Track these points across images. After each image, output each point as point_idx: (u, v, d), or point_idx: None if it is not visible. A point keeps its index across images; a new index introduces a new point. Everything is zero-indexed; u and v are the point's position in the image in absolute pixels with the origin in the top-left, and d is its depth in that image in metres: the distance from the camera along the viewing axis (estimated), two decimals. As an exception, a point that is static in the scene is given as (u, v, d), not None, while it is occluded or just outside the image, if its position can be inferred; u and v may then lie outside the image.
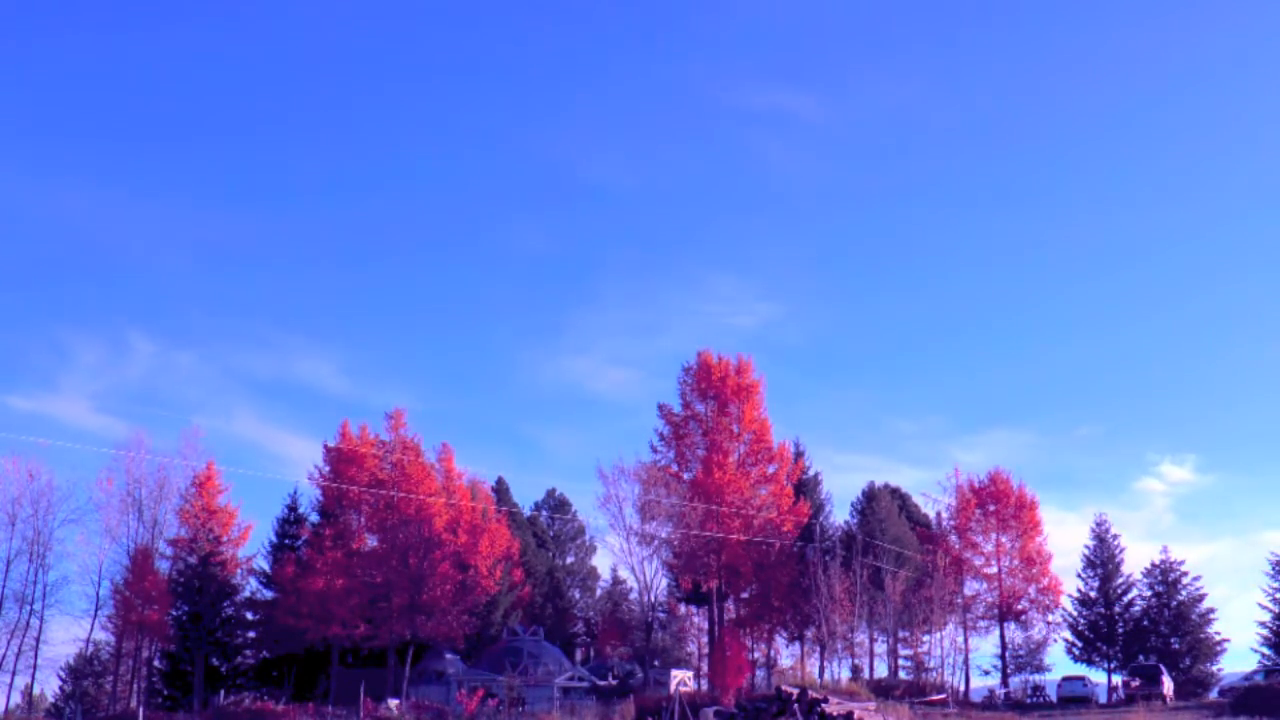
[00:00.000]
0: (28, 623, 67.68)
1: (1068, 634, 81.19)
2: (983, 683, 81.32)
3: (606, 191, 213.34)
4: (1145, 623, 79.90)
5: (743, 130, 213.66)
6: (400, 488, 69.88)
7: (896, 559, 78.08)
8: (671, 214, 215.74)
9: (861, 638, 78.63)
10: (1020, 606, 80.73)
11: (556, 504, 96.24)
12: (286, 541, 72.63)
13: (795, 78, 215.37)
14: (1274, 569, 78.03)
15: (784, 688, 51.66)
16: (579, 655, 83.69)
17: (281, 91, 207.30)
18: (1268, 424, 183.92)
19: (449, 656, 70.87)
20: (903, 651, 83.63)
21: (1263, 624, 77.86)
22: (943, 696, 67.31)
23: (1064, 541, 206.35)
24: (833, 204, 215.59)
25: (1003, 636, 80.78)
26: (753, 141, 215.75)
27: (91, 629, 70.78)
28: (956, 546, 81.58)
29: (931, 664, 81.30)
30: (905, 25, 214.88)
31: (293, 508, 74.14)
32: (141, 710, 59.60)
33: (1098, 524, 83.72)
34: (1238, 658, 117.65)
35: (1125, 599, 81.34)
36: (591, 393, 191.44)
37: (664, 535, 72.13)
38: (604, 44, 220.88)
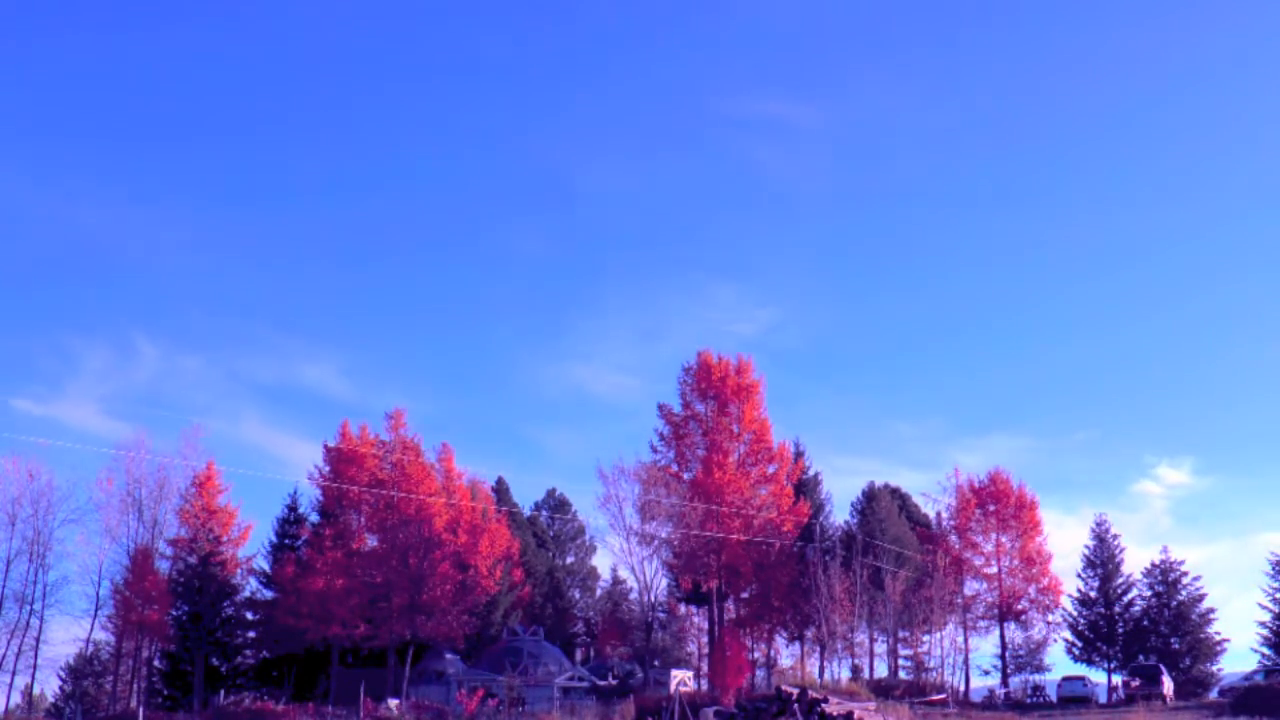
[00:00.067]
0: (28, 623, 67.78)
1: (1068, 634, 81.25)
2: (983, 683, 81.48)
3: (606, 195, 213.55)
4: (1145, 623, 79.90)
5: (740, 134, 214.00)
6: (400, 488, 69.88)
7: (896, 559, 78.08)
8: (671, 219, 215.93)
9: (861, 638, 78.67)
10: (1020, 606, 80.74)
11: (556, 504, 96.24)
12: (286, 541, 72.62)
13: (793, 82, 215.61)
14: (1274, 569, 78.06)
15: (784, 688, 51.67)
16: (579, 655, 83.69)
17: (281, 91, 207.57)
18: (1266, 425, 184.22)
19: (449, 656, 70.87)
20: (903, 651, 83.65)
21: (1263, 624, 77.90)
22: (943, 696, 67.32)
23: (1062, 544, 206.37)
24: (831, 206, 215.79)
25: (1003, 636, 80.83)
26: (750, 145, 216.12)
27: (91, 629, 70.95)
28: (956, 546, 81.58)
29: (931, 664, 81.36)
30: (904, 26, 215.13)
31: (293, 508, 74.18)
32: (141, 710, 59.61)
33: (1098, 524, 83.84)
34: (1238, 658, 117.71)
35: (1125, 599, 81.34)
36: (592, 396, 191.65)
37: (664, 535, 72.17)
38: (603, 45, 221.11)
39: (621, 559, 76.40)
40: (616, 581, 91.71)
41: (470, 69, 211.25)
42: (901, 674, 79.89)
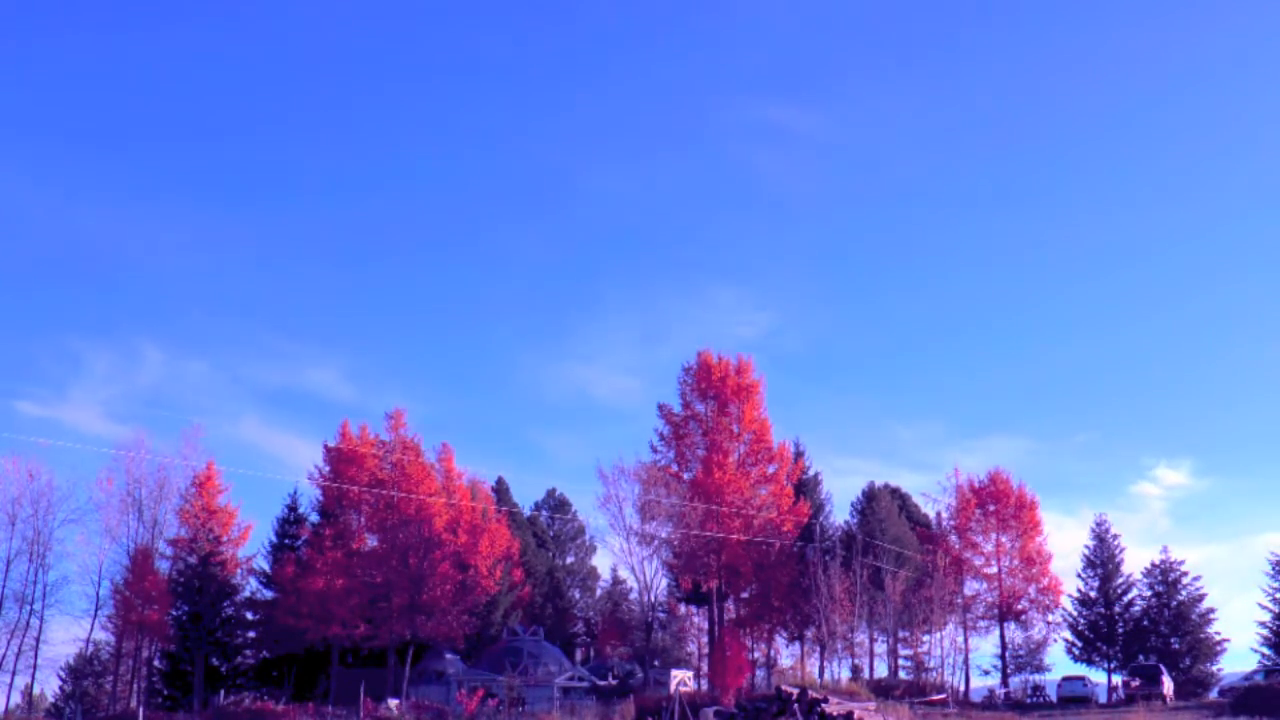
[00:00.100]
0: (28, 623, 67.78)
1: (1068, 634, 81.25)
2: (983, 683, 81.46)
3: (606, 196, 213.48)
4: (1145, 623, 79.90)
5: (739, 136, 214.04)
6: (400, 488, 69.88)
7: (896, 559, 78.07)
8: (670, 221, 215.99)
9: (861, 638, 78.65)
10: (1020, 606, 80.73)
11: (556, 504, 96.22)
12: (286, 541, 72.63)
13: (792, 84, 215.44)
14: (1274, 569, 78.06)
15: (784, 688, 51.67)
16: (579, 655, 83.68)
17: (281, 91, 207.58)
18: (1264, 427, 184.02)
19: (449, 656, 70.87)
20: (903, 651, 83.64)
21: (1263, 624, 77.90)
22: (943, 696, 67.31)
23: (1062, 545, 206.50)
24: (830, 207, 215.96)
25: (1003, 636, 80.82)
26: (749, 148, 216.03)
27: (91, 629, 70.95)
28: (956, 546, 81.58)
29: (931, 664, 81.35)
30: (904, 26, 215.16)
31: (293, 508, 74.18)
32: (141, 710, 59.60)
33: (1098, 524, 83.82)
34: (1238, 658, 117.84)
35: (1125, 599, 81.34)
36: (593, 399, 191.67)
37: (664, 535, 72.15)
38: (603, 46, 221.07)
39: (621, 559, 76.53)
40: (616, 581, 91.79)
41: (470, 69, 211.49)
42: (901, 674, 79.88)
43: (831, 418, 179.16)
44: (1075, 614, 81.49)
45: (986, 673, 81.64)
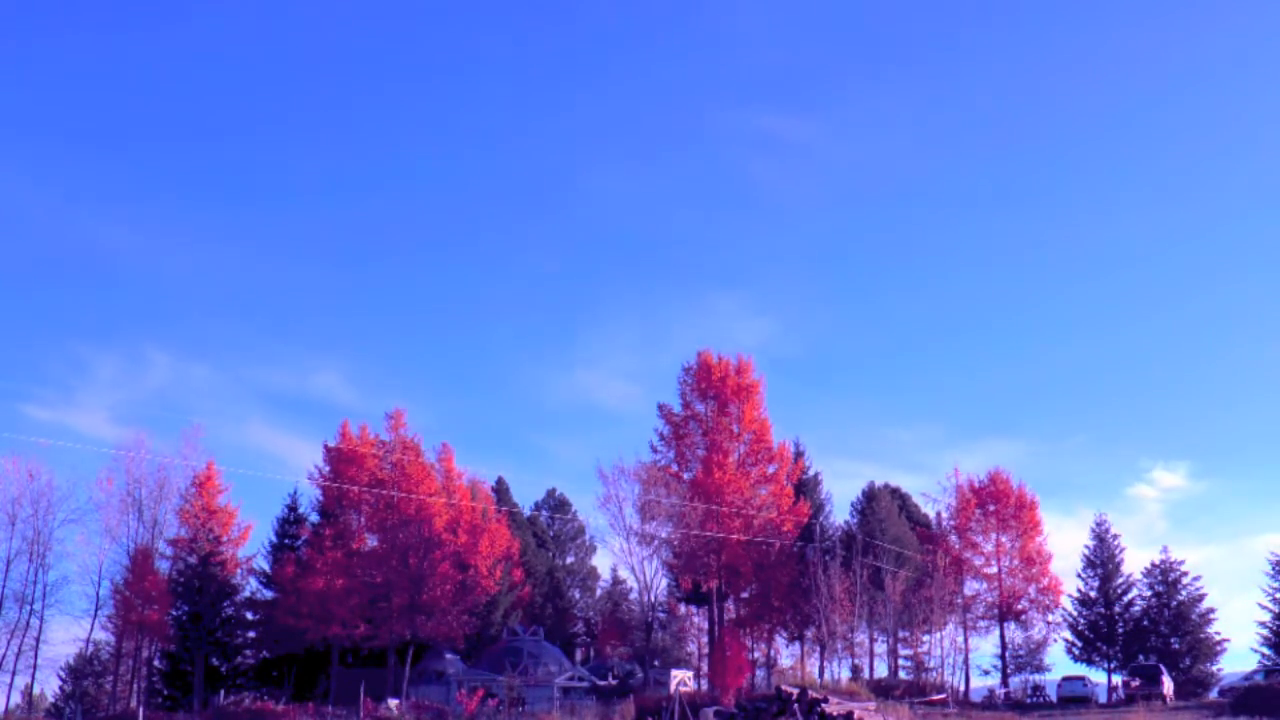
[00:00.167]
0: (28, 623, 67.77)
1: (1068, 634, 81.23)
2: (983, 683, 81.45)
3: (606, 198, 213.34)
4: (1145, 623, 79.88)
5: (737, 140, 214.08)
6: (400, 488, 69.87)
7: (896, 559, 78.07)
8: (670, 223, 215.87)
9: (861, 638, 78.65)
10: (1020, 606, 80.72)
11: (556, 504, 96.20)
12: (286, 541, 72.63)
13: (790, 87, 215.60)
14: (1274, 569, 78.05)
15: (784, 688, 51.67)
16: (579, 655, 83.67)
17: (281, 91, 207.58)
18: (1262, 428, 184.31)
19: (449, 656, 70.87)
20: (903, 651, 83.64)
21: (1263, 624, 77.89)
22: (943, 696, 67.32)
23: (1059, 547, 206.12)
24: (830, 209, 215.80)
25: (1003, 636, 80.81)
26: (747, 151, 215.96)
27: (91, 629, 70.93)
28: (956, 546, 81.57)
29: (931, 664, 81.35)
30: (903, 27, 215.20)
31: (293, 508, 74.18)
32: (141, 710, 59.60)
33: (1098, 524, 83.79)
34: (1238, 658, 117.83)
35: (1125, 599, 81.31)
36: (594, 403, 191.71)
37: (664, 535, 72.14)
38: (603, 46, 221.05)
39: (621, 559, 76.52)
40: (616, 581, 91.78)
41: (470, 69, 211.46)
42: (901, 674, 79.88)
43: (831, 421, 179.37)
44: (1075, 614, 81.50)
45: (986, 673, 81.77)
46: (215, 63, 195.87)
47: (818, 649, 75.38)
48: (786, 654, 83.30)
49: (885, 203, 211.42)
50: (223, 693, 66.03)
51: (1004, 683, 79.09)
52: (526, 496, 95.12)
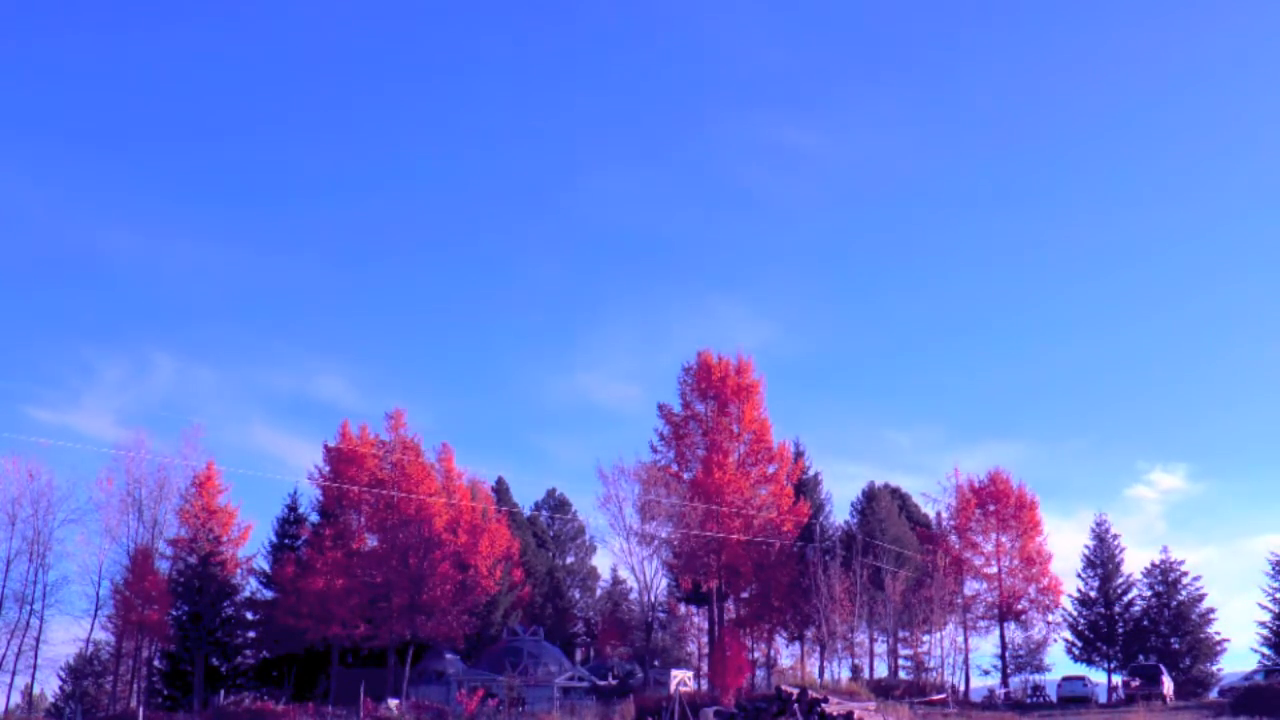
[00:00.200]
0: (28, 623, 67.76)
1: (1068, 634, 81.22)
2: (983, 683, 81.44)
3: (606, 201, 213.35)
4: (1145, 623, 79.87)
5: (737, 142, 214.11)
6: (400, 488, 69.87)
7: (896, 559, 78.07)
8: (670, 227, 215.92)
9: (861, 638, 78.64)
10: (1020, 606, 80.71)
11: (556, 504, 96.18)
12: (286, 541, 72.62)
13: (789, 89, 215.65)
14: (1274, 569, 78.05)
15: (784, 688, 51.66)
16: (579, 655, 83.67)
17: (281, 91, 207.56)
18: (1260, 429, 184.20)
19: (449, 656, 70.86)
20: (903, 651, 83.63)
21: (1263, 624, 77.89)
22: (943, 696, 67.31)
23: (1058, 548, 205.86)
24: (829, 210, 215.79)
25: (1003, 636, 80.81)
26: (746, 153, 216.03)
27: (91, 629, 70.92)
28: (956, 546, 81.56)
29: (931, 664, 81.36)
30: (902, 28, 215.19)
31: (293, 508, 74.18)
32: (141, 710, 59.59)
33: (1098, 524, 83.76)
34: (1238, 658, 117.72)
35: (1125, 599, 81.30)
36: (594, 405, 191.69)
37: (664, 535, 72.12)
38: (603, 47, 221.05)
39: (621, 559, 76.50)
40: (616, 581, 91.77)
41: (470, 69, 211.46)
42: (901, 674, 79.88)
43: (830, 422, 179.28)
44: (1075, 614, 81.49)
45: (986, 673, 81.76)
46: (215, 63, 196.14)
47: (818, 649, 75.38)
48: (786, 654, 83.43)
49: (885, 203, 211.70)
50: (223, 693, 66.02)
51: (1004, 683, 79.08)
52: (526, 496, 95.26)
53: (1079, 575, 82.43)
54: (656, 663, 73.93)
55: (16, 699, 71.20)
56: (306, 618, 66.51)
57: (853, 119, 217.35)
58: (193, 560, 69.63)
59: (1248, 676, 70.39)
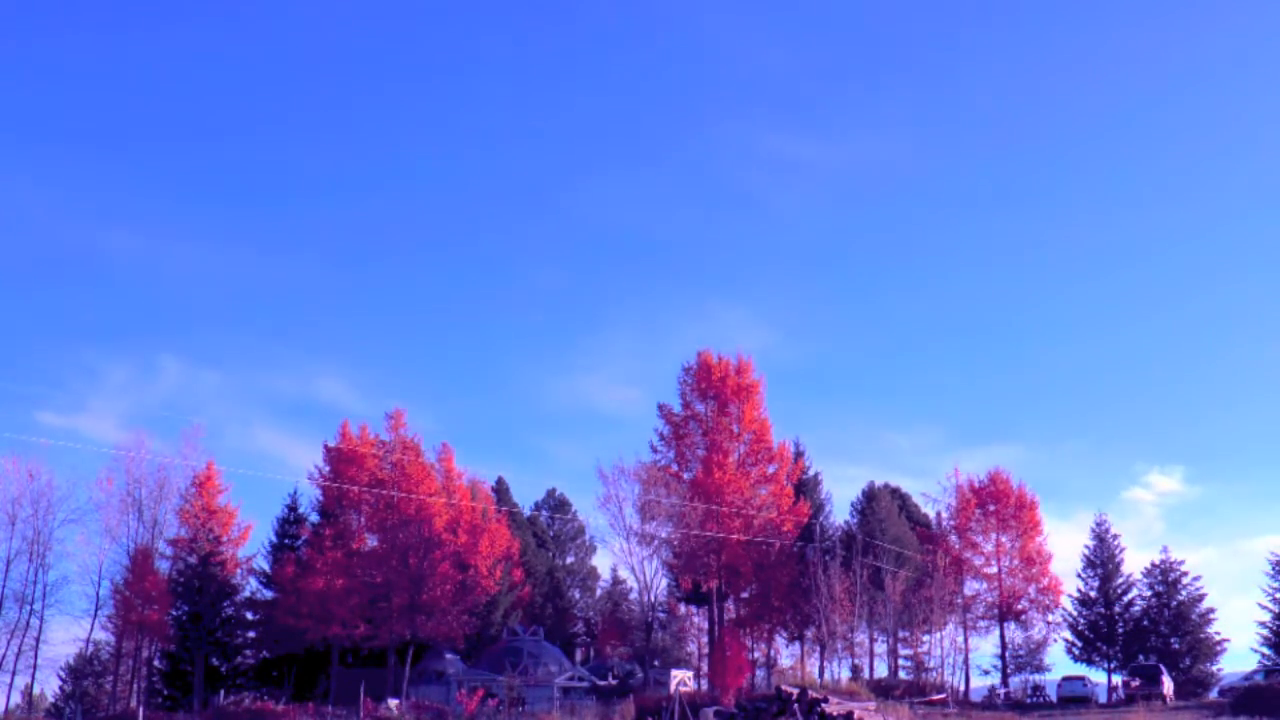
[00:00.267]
0: (28, 623, 67.76)
1: (1068, 634, 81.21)
2: (983, 683, 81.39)
3: (606, 202, 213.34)
4: (1145, 623, 79.86)
5: (736, 143, 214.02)
6: (400, 488, 69.87)
7: (896, 559, 78.07)
8: (669, 229, 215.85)
9: (861, 638, 78.64)
10: (1020, 606, 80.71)
11: (556, 504, 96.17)
12: (286, 541, 72.62)
13: (788, 90, 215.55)
14: (1274, 569, 78.04)
15: (784, 688, 51.66)
16: (579, 655, 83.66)
17: (281, 91, 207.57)
18: (1257, 431, 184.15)
19: (449, 656, 70.86)
20: (903, 651, 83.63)
21: (1263, 624, 77.89)
22: (943, 696, 67.32)
23: (1057, 550, 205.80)
24: (829, 211, 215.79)
25: (1003, 636, 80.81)
26: (746, 155, 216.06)
27: (91, 629, 70.92)
28: (956, 546, 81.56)
29: (931, 664, 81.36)
30: (902, 28, 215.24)
31: (293, 508, 74.18)
32: (141, 710, 59.58)
33: (1098, 524, 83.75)
34: (1237, 658, 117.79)
35: (1125, 599, 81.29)
36: (594, 408, 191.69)
37: (664, 535, 72.12)
38: (603, 47, 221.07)
39: (621, 559, 76.48)
40: (616, 581, 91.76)
41: (470, 69, 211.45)
42: (901, 674, 79.88)
43: (830, 424, 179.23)
44: (1075, 614, 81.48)
45: (986, 673, 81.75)
46: (215, 63, 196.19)
47: (818, 649, 75.38)
48: (786, 654, 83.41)
49: (884, 204, 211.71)
50: (223, 693, 66.04)
51: (1004, 683, 79.08)
52: (526, 497, 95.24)
53: (1079, 575, 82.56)
54: (656, 663, 73.93)
55: (16, 699, 71.28)
56: (306, 618, 66.50)
57: (852, 120, 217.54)
58: (193, 560, 69.63)
59: (1248, 676, 70.39)
